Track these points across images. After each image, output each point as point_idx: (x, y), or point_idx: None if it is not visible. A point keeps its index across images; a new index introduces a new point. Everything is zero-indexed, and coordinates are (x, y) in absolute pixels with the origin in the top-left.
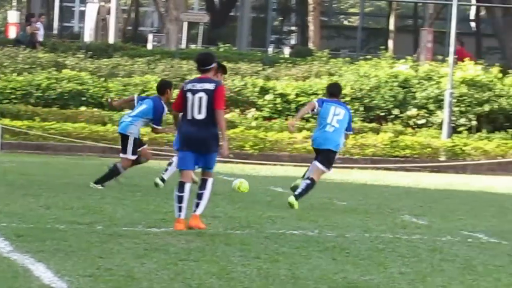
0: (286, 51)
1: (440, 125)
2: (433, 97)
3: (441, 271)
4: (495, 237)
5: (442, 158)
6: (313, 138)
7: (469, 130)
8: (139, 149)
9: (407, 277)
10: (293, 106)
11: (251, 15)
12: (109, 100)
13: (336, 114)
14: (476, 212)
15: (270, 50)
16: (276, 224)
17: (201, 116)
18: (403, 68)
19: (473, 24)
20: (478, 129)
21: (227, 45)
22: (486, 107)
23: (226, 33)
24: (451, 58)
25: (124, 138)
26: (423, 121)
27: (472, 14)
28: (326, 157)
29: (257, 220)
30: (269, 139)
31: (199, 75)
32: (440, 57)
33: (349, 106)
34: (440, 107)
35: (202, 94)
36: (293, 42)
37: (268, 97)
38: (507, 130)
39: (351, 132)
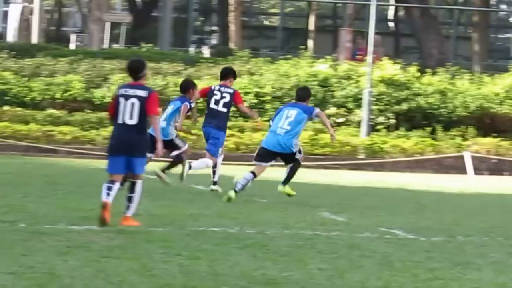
0: (205, 51)
1: (359, 124)
2: (352, 96)
3: (360, 267)
4: (413, 233)
5: (361, 156)
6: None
7: (388, 128)
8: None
9: (326, 273)
10: None
11: (173, 16)
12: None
13: (288, 117)
14: (394, 209)
15: (192, 50)
16: (197, 222)
17: (133, 121)
18: (323, 67)
19: (391, 24)
20: (396, 127)
21: (149, 45)
22: (404, 106)
23: (148, 33)
24: (370, 57)
25: (168, 142)
26: (342, 119)
27: (390, 14)
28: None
29: (179, 217)
30: (191, 138)
31: (131, 81)
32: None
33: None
34: (359, 106)
35: (134, 100)
36: (214, 42)
37: None
38: (425, 128)
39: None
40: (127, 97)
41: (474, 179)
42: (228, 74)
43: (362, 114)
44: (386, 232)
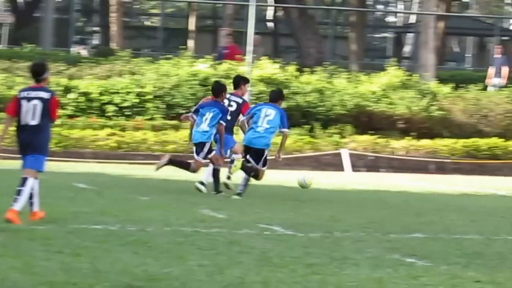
0: (82, 51)
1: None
2: None
3: (239, 263)
4: (291, 229)
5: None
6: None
7: None
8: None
9: (206, 269)
10: (96, 104)
11: (55, 16)
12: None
13: (267, 115)
14: (272, 205)
15: (74, 50)
16: (79, 219)
17: (35, 122)
18: (203, 67)
19: (270, 24)
20: None
21: (32, 45)
22: (283, 104)
23: (30, 33)
24: (249, 56)
25: (202, 144)
26: None
27: (269, 14)
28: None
29: (61, 215)
30: (73, 136)
31: (33, 84)
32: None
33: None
34: None
35: (37, 101)
36: (96, 42)
37: (72, 95)
38: (303, 126)
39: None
40: (29, 99)
41: (352, 176)
42: (239, 82)
43: None
44: (265, 229)
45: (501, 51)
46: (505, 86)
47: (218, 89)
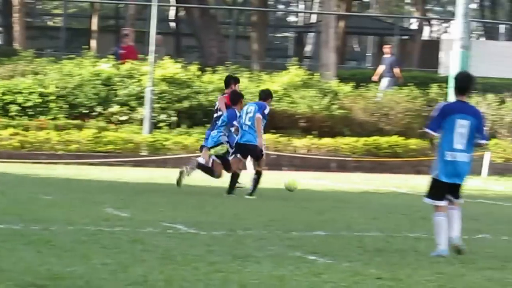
0: None
1: (141, 121)
2: (135, 94)
3: (142, 261)
4: (194, 227)
5: (144, 153)
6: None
7: (170, 125)
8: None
9: (110, 268)
10: None
11: None
12: None
13: (248, 112)
14: (176, 204)
15: None
16: None
17: None
18: (105, 66)
19: (172, 24)
20: (178, 125)
21: None
22: (186, 104)
23: None
24: (151, 56)
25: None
26: (125, 117)
27: (171, 14)
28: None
29: None
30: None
31: None
32: (141, 56)
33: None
34: (142, 104)
35: None
36: None
37: None
38: (205, 125)
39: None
40: None
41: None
42: (229, 82)
43: (144, 112)
44: (168, 227)
45: (390, 51)
46: (398, 85)
47: (234, 97)
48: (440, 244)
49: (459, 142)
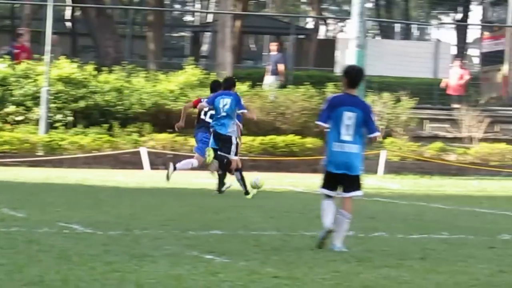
0: None
1: (37, 121)
2: (31, 94)
3: (38, 262)
4: (90, 227)
5: (40, 153)
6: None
7: (66, 125)
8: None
9: (5, 268)
10: None
11: None
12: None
13: (224, 104)
14: (72, 204)
15: None
16: None
17: None
18: (1, 66)
19: (68, 24)
20: (74, 125)
21: None
22: (82, 103)
23: None
24: (47, 56)
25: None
26: (21, 117)
27: (67, 14)
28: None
29: None
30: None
31: None
32: (37, 56)
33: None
34: (38, 104)
35: None
36: None
37: None
38: (102, 125)
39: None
40: None
41: (151, 174)
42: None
43: (40, 112)
44: (65, 227)
45: (277, 48)
46: (283, 85)
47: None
48: (325, 223)
49: (346, 133)
